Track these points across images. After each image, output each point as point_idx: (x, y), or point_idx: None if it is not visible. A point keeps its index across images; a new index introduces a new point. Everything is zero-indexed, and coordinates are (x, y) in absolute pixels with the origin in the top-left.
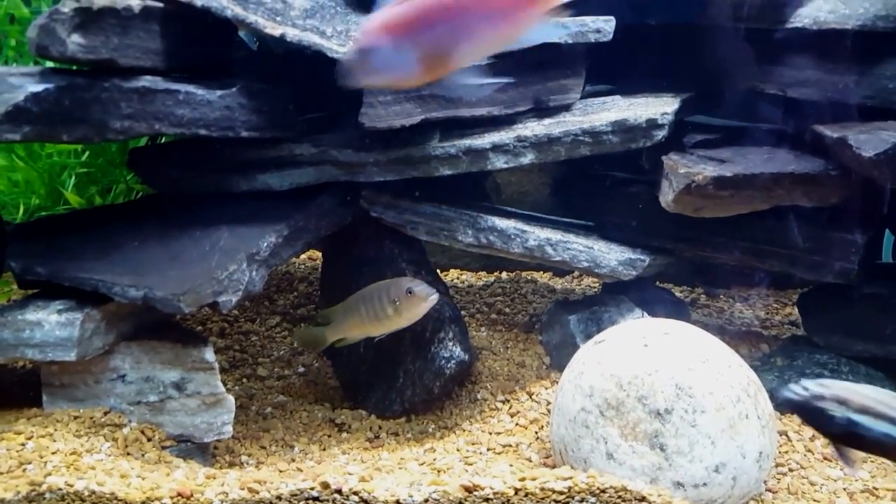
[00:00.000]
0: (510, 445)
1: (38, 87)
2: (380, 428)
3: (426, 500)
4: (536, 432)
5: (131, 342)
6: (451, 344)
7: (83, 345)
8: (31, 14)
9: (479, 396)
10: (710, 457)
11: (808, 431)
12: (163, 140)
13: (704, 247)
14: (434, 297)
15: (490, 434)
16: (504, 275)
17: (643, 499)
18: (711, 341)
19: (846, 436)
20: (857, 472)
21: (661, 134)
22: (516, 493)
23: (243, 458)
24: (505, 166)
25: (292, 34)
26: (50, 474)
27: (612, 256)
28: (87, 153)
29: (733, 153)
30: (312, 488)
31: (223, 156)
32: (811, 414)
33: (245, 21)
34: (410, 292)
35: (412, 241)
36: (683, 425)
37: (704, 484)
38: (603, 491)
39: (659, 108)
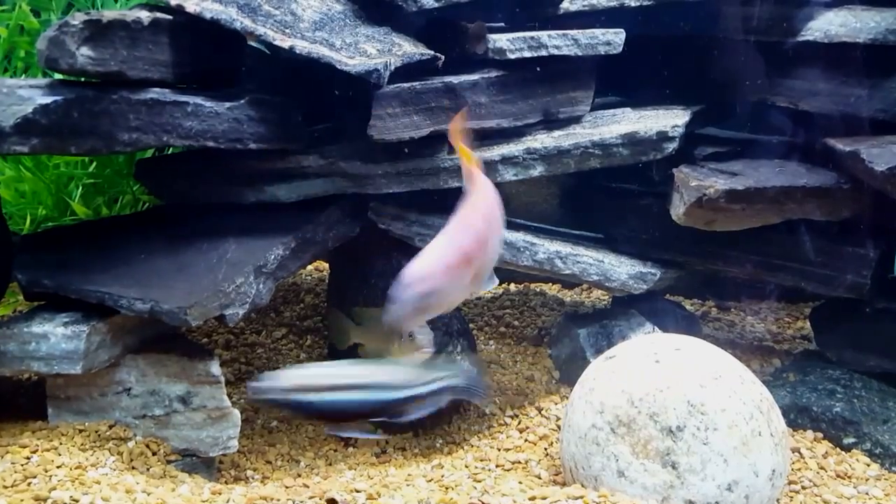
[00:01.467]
0: (519, 462)
1: (47, 100)
2: (387, 443)
3: None
4: (546, 448)
5: (137, 355)
6: (459, 357)
7: (89, 358)
8: (41, 26)
9: (487, 411)
10: (723, 475)
11: (821, 448)
12: (170, 151)
13: (716, 260)
14: (428, 352)
15: (498, 450)
16: (512, 287)
17: None
18: (724, 357)
19: (316, 414)
20: (871, 490)
21: (671, 146)
22: None
23: (248, 472)
24: (514, 178)
25: (301, 46)
26: (55, 489)
27: (623, 270)
28: (94, 164)
29: (744, 166)
30: None
31: (231, 167)
32: (275, 406)
33: (254, 33)
34: (411, 336)
35: None
36: (695, 443)
37: (716, 502)
38: None
39: (669, 120)
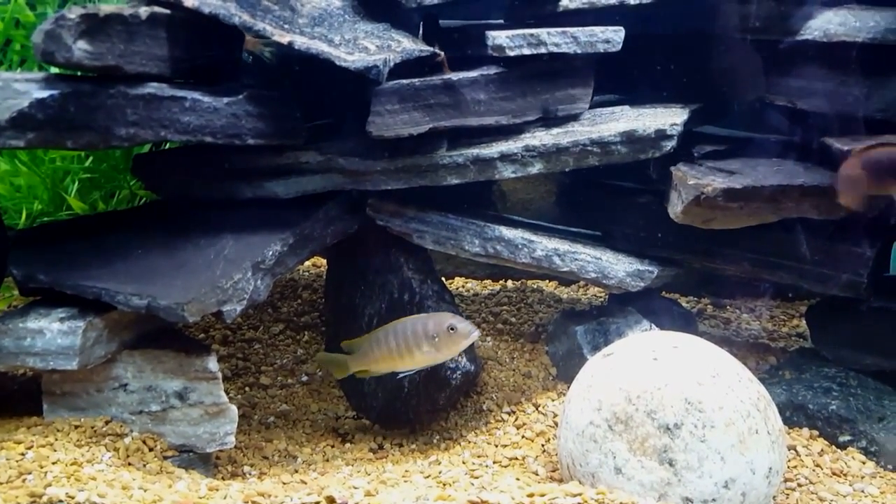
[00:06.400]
0: (516, 458)
1: (44, 94)
2: (384, 439)
3: None
4: (543, 445)
5: (133, 351)
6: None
7: (85, 353)
8: (37, 19)
9: (484, 407)
10: (720, 472)
11: (817, 446)
12: (167, 146)
13: (713, 258)
14: (476, 335)
15: (496, 446)
16: (510, 283)
17: None
18: (721, 355)
19: None
20: (867, 487)
21: (669, 145)
22: None
23: (245, 468)
24: (513, 175)
25: (300, 42)
26: (50, 485)
27: (621, 267)
28: (90, 158)
29: (742, 164)
30: (318, 502)
31: (229, 163)
32: None
33: (253, 28)
34: (452, 329)
35: (418, 250)
36: (693, 440)
37: (713, 500)
38: None
39: (668, 118)
